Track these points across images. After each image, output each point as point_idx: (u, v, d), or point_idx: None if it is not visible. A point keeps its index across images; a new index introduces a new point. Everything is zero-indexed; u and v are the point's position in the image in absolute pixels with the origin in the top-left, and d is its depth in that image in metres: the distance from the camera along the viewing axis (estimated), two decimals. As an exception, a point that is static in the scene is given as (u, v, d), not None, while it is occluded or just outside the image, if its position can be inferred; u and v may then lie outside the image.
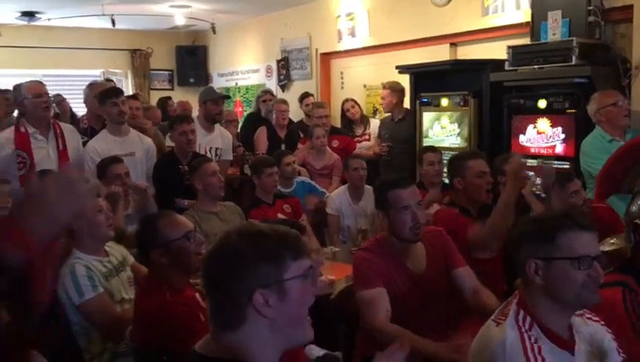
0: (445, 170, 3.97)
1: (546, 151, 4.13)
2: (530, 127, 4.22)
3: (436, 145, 4.55)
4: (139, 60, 8.92)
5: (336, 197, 4.38)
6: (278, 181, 4.09)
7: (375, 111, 6.43)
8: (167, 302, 2.06)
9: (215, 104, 4.61)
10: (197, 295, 2.18)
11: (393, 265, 2.36)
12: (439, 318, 2.42)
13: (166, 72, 9.27)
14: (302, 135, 5.57)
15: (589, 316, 1.67)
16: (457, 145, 4.65)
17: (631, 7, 4.02)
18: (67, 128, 4.01)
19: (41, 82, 4.08)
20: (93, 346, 2.49)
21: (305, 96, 6.43)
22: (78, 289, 2.45)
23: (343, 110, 5.96)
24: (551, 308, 1.54)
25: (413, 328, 2.20)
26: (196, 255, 2.17)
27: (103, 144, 3.95)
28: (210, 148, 4.55)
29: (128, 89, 8.66)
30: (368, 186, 4.52)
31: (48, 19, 7.35)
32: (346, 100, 5.99)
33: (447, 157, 4.42)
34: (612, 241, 2.01)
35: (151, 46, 8.93)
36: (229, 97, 6.57)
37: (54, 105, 5.21)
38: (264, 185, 3.97)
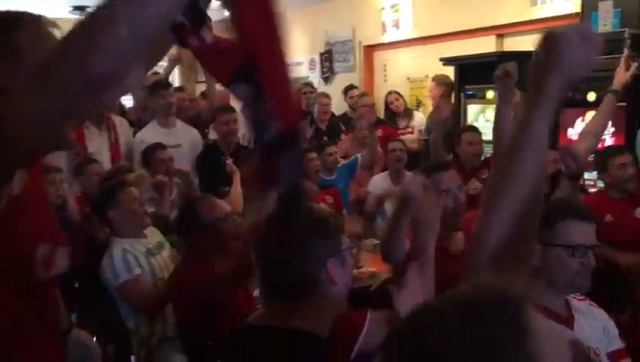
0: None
1: (594, 146, 4.02)
2: (578, 121, 4.12)
3: (483, 140, 4.49)
4: (186, 52, 9.04)
5: (377, 181, 4.39)
6: (321, 170, 4.13)
7: (419, 104, 6.38)
8: (204, 279, 2.13)
9: None
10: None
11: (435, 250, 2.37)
12: None
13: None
14: (344, 128, 5.59)
15: (592, 303, 1.76)
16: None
17: (687, -4, 3.87)
18: (119, 121, 4.14)
19: None
20: (142, 329, 2.59)
21: (349, 88, 6.42)
22: (114, 273, 2.55)
23: (386, 102, 5.94)
24: (545, 290, 1.63)
25: None
26: (234, 236, 2.25)
27: (152, 135, 4.06)
28: None
29: (174, 81, 8.83)
30: (409, 172, 4.55)
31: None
32: (390, 92, 5.97)
33: (491, 150, 4.40)
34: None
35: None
36: None
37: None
38: (305, 172, 4.00)
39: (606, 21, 4.02)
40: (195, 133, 4.36)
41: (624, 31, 3.81)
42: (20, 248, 1.13)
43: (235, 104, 4.96)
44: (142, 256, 2.63)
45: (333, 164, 4.48)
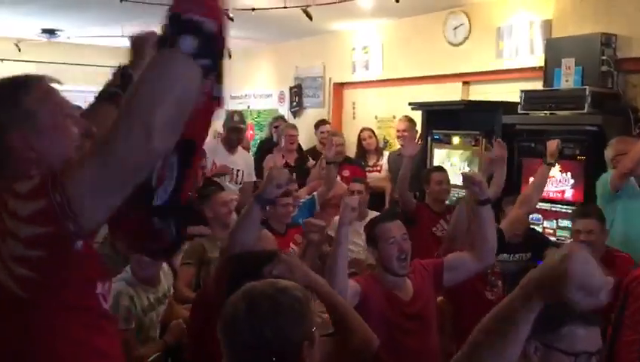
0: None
1: (555, 196, 4.18)
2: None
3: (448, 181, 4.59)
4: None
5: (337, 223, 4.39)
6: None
7: (385, 143, 6.49)
8: None
9: (234, 132, 4.79)
10: None
11: (384, 297, 2.52)
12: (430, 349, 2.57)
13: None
14: (313, 162, 5.62)
15: None
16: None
17: (643, 58, 4.10)
18: None
19: None
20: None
21: (322, 123, 6.46)
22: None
23: (359, 139, 6.01)
24: None
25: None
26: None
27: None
28: (232, 168, 4.67)
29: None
30: (373, 211, 4.61)
31: (68, 37, 7.50)
32: (364, 129, 6.02)
33: (456, 197, 4.52)
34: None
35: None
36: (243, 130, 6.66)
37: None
38: (278, 216, 3.99)
39: (568, 77, 4.21)
40: None
41: (585, 88, 4.00)
42: (88, 285, 1.27)
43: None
44: (141, 309, 2.62)
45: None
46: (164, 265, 2.87)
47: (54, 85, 1.29)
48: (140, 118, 1.03)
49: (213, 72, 1.12)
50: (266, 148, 6.24)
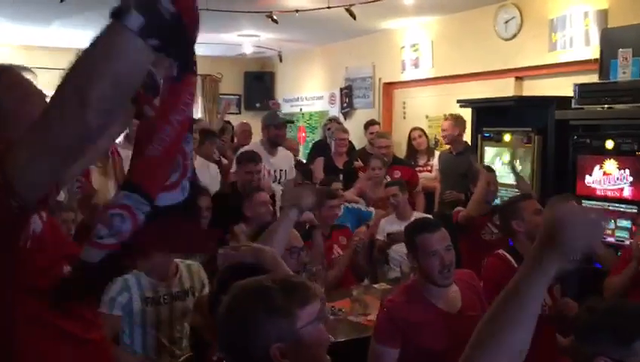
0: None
1: (612, 194, 3.95)
2: (596, 168, 4.05)
3: (498, 182, 4.44)
4: (209, 85, 9.24)
5: (385, 225, 4.35)
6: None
7: (436, 143, 6.36)
8: None
9: (277, 128, 4.75)
10: None
11: (422, 310, 2.33)
12: None
13: (234, 97, 9.55)
14: (361, 163, 5.58)
15: None
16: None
17: None
18: (126, 155, 4.19)
19: None
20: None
21: (371, 123, 6.41)
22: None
23: (409, 138, 5.93)
24: None
25: None
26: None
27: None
28: (275, 170, 4.67)
29: (198, 113, 8.97)
30: (417, 212, 4.53)
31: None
32: (414, 129, 5.95)
33: (507, 195, 4.36)
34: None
35: (221, 72, 9.24)
36: (292, 122, 6.68)
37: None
38: (324, 218, 3.97)
39: (625, 69, 3.97)
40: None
41: (644, 80, 3.77)
42: (40, 278, 1.28)
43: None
44: (140, 297, 2.62)
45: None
46: (196, 264, 2.87)
47: (28, 75, 1.31)
48: (74, 90, 1.00)
49: (165, 54, 1.07)
50: (318, 149, 6.25)
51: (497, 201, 4.28)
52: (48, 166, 1.08)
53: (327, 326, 1.34)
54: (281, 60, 8.07)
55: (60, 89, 1.01)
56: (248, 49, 7.69)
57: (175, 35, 1.06)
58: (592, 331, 1.49)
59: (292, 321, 1.24)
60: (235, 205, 3.99)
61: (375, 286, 3.65)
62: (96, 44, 1.01)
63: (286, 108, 8.86)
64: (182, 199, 1.23)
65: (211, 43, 7.46)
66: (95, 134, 1.06)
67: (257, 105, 9.25)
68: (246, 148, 4.87)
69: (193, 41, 1.13)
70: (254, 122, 8.33)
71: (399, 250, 4.17)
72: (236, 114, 9.28)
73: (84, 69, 1.01)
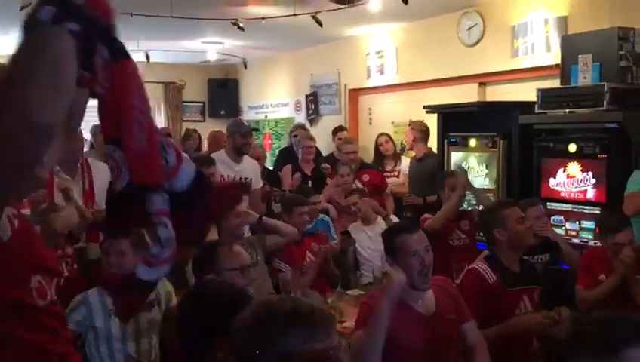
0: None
1: (576, 196, 4.05)
2: (560, 171, 4.15)
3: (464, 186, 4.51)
4: (172, 93, 9.13)
5: (354, 231, 4.36)
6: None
7: (403, 148, 6.42)
8: None
9: (243, 137, 4.71)
10: None
11: (399, 311, 2.31)
12: None
13: (198, 104, 9.45)
14: (329, 169, 5.59)
15: None
16: (486, 187, 4.60)
17: (664, 51, 3.96)
18: (97, 166, 4.03)
19: None
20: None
21: (339, 129, 6.44)
22: None
23: (377, 144, 5.98)
24: None
25: None
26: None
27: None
28: (240, 178, 4.62)
29: (161, 120, 8.84)
30: (383, 219, 4.58)
31: None
32: (381, 135, 6.00)
33: (470, 201, 4.44)
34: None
35: (184, 79, 9.13)
36: (257, 130, 6.65)
37: (91, 135, 5.34)
38: (294, 225, 3.97)
39: (586, 74, 4.08)
40: None
41: (603, 85, 3.88)
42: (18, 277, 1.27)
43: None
44: (102, 315, 2.57)
45: (315, 214, 4.44)
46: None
47: None
48: (13, 95, 1.00)
49: (87, 37, 1.11)
50: (286, 156, 6.23)
51: (465, 205, 4.36)
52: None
53: None
54: (245, 67, 8.04)
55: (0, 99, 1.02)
56: (212, 56, 7.63)
57: (92, 21, 1.12)
58: (577, 343, 1.50)
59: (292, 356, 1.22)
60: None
61: (348, 292, 3.65)
62: (20, 46, 1.03)
63: (251, 116, 8.83)
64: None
65: (175, 50, 7.37)
66: (49, 133, 1.03)
67: (222, 112, 9.20)
68: (212, 155, 4.82)
69: (113, 27, 1.18)
70: (220, 130, 8.30)
71: (372, 255, 4.20)
72: (200, 121, 9.20)
73: (17, 73, 1.02)
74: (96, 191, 3.80)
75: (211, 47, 7.33)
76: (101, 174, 3.99)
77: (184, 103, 9.27)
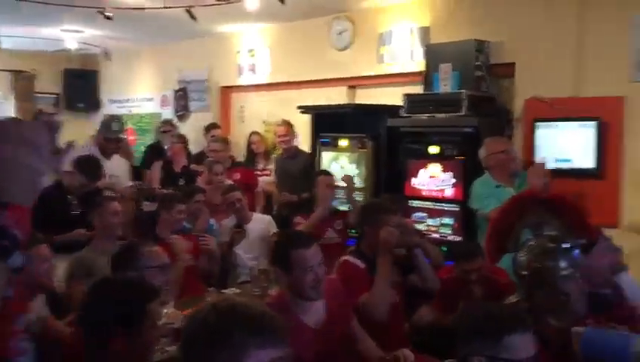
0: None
1: (436, 194, 4.37)
2: (422, 171, 4.44)
3: (335, 185, 4.64)
4: (22, 82, 8.38)
5: (226, 229, 4.34)
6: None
7: (274, 147, 6.48)
8: None
9: (106, 141, 4.78)
10: None
11: (290, 324, 2.33)
12: None
13: (52, 96, 8.77)
14: (198, 167, 5.49)
15: None
16: (356, 186, 4.78)
17: (513, 64, 4.40)
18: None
19: None
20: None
21: (212, 127, 6.34)
22: None
23: (248, 142, 5.97)
24: None
25: None
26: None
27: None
28: (110, 176, 4.48)
29: (10, 112, 8.10)
30: (258, 214, 4.60)
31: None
32: (252, 133, 6.03)
33: (342, 200, 4.60)
34: (512, 300, 2.14)
35: (37, 68, 8.43)
36: (121, 140, 6.31)
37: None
38: (170, 223, 3.85)
39: (446, 82, 4.43)
40: None
41: (462, 92, 4.22)
42: None
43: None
44: None
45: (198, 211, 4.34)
46: None
47: None
48: None
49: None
50: (154, 152, 6.02)
51: (335, 203, 4.50)
52: None
53: None
54: (110, 59, 7.62)
55: None
56: (72, 45, 7.13)
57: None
58: (468, 334, 1.61)
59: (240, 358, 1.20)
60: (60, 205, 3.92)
61: (225, 291, 3.62)
62: None
63: (113, 110, 8.37)
64: None
65: (30, 37, 6.78)
66: None
67: (80, 105, 8.63)
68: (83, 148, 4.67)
69: None
70: (77, 123, 7.81)
71: (245, 255, 4.20)
72: (54, 114, 8.54)
73: None
74: None
75: (70, 35, 6.84)
76: None
77: (36, 94, 8.55)
